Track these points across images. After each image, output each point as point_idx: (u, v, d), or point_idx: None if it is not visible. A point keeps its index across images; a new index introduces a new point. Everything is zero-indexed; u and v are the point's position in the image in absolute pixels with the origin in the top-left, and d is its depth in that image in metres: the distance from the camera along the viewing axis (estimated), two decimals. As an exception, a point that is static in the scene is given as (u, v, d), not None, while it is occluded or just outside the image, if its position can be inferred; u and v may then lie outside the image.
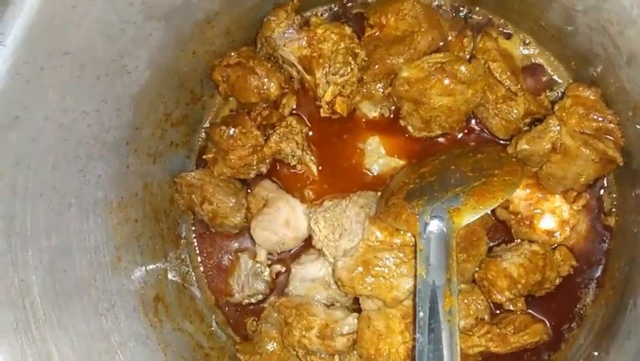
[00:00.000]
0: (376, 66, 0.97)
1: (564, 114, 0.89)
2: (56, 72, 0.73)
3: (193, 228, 1.10)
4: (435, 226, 0.86)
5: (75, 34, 0.73)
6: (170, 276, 1.05)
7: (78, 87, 0.78)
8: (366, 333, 0.93)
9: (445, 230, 0.85)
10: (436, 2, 1.02)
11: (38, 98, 0.73)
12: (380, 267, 0.90)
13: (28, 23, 0.67)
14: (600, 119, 0.87)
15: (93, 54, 0.77)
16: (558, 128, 0.89)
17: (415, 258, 0.87)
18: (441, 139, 1.02)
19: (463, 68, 0.92)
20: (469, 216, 0.86)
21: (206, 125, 1.10)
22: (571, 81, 0.99)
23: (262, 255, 1.05)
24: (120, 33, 0.79)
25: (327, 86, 0.99)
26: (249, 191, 1.06)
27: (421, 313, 0.80)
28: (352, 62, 0.97)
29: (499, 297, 0.92)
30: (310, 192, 1.04)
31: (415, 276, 0.86)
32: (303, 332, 0.96)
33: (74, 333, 0.82)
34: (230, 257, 1.08)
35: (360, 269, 0.91)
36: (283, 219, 1.00)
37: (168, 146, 1.04)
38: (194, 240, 1.10)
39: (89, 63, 0.78)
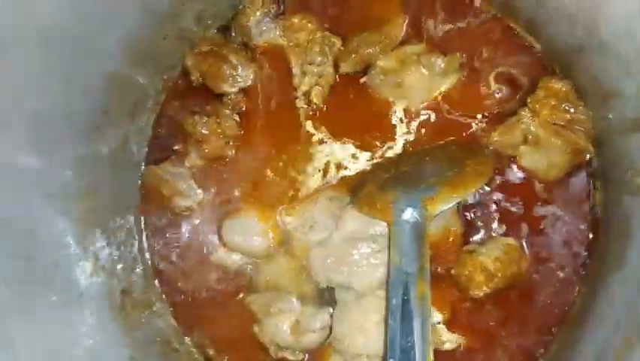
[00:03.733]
0: (353, 55, 0.97)
1: (536, 106, 0.90)
2: (22, 50, 0.71)
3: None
4: (409, 214, 0.86)
5: (44, 9, 0.71)
6: (137, 269, 1.03)
7: (44, 66, 0.75)
8: (342, 325, 0.93)
9: (418, 219, 0.86)
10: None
11: (4, 76, 0.70)
12: (354, 256, 0.90)
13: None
14: (572, 110, 0.89)
15: (62, 32, 0.75)
16: (530, 119, 0.91)
17: (389, 247, 0.87)
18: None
19: (439, 61, 0.93)
20: (442, 204, 0.87)
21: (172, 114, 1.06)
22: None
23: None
24: (91, 10, 0.77)
25: (302, 76, 0.99)
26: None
27: (394, 301, 0.80)
28: (328, 52, 0.96)
29: (477, 292, 0.92)
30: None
31: (389, 264, 0.86)
32: (275, 329, 0.95)
33: (39, 322, 0.80)
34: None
35: (334, 258, 0.91)
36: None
37: (137, 134, 1.02)
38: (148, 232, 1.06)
39: (56, 41, 0.75)
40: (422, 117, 0.98)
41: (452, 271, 0.94)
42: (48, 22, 0.73)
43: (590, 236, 0.95)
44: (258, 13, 0.99)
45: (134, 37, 0.89)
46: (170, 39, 0.97)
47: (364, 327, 0.90)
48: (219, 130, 0.98)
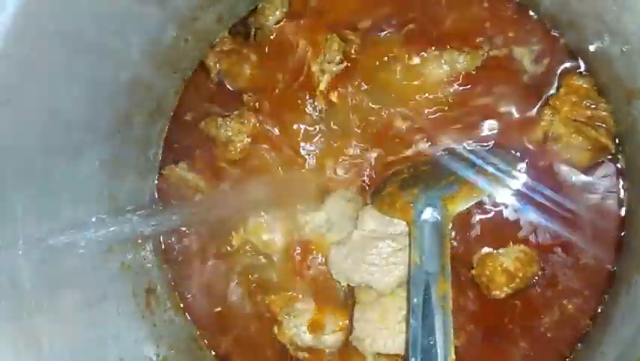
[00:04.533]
0: (371, 51, 0.97)
1: (557, 102, 0.89)
2: (47, 55, 0.72)
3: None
4: (429, 213, 0.86)
5: (67, 14, 0.72)
6: (159, 268, 1.04)
7: (68, 72, 0.77)
8: (362, 324, 0.93)
9: (439, 218, 0.85)
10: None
11: (29, 81, 0.71)
12: (373, 255, 0.90)
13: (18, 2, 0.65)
14: (593, 106, 0.88)
15: (85, 38, 0.76)
16: (550, 116, 0.90)
17: (409, 246, 0.87)
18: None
19: (461, 59, 0.93)
20: (463, 203, 0.86)
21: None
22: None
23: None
24: (112, 16, 0.78)
25: (322, 74, 0.99)
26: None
27: (415, 300, 0.80)
28: (346, 50, 0.96)
29: (498, 293, 0.92)
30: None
31: (409, 264, 0.86)
32: (294, 330, 0.95)
33: (65, 323, 0.81)
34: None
35: (354, 258, 0.91)
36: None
37: (158, 136, 1.03)
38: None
39: (80, 47, 0.76)
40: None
41: (472, 272, 0.94)
42: (70, 27, 0.74)
43: (614, 236, 0.94)
44: (277, 13, 0.99)
45: (155, 42, 0.90)
46: (191, 42, 0.98)
47: (385, 326, 0.90)
48: (244, 130, 0.99)
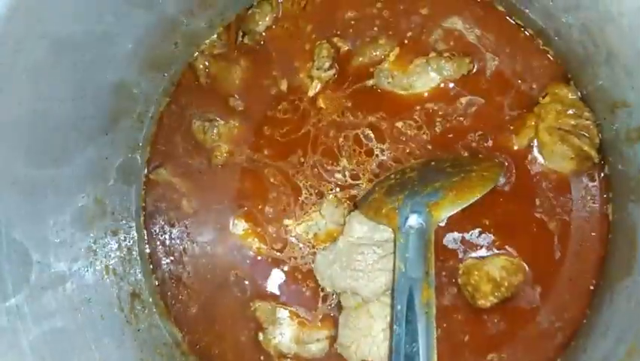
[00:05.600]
0: (360, 59, 0.97)
1: (542, 111, 0.90)
2: (32, 56, 0.71)
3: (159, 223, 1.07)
4: (414, 220, 0.86)
5: (53, 17, 0.72)
6: (144, 272, 1.03)
7: (54, 73, 0.76)
8: (347, 331, 0.93)
9: (424, 224, 0.85)
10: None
11: (12, 82, 0.71)
12: (359, 261, 0.90)
13: (7, 3, 0.65)
14: (577, 115, 0.89)
15: (71, 40, 0.76)
16: (535, 125, 0.91)
17: (394, 253, 0.87)
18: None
19: (447, 66, 0.94)
20: (448, 210, 0.86)
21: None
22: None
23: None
24: (100, 19, 0.78)
25: (310, 81, 0.99)
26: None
27: (399, 306, 0.80)
28: (335, 56, 0.97)
29: (483, 302, 0.92)
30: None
31: (394, 270, 0.86)
32: (278, 338, 0.95)
33: (48, 327, 0.80)
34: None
35: (340, 264, 0.91)
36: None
37: (144, 139, 1.03)
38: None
39: (67, 49, 0.76)
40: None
41: (458, 281, 0.94)
42: (56, 30, 0.73)
43: (598, 245, 0.94)
44: (267, 18, 0.99)
45: (144, 46, 0.90)
46: (180, 45, 0.98)
47: (370, 333, 0.90)
48: (230, 135, 0.99)
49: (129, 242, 1.02)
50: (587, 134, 0.89)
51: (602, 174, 0.93)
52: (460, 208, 0.87)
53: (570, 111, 0.89)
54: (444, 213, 0.86)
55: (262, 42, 1.01)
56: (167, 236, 1.04)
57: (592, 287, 0.95)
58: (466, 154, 0.96)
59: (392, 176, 0.96)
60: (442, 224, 0.94)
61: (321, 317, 0.97)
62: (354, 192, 0.98)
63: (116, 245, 0.98)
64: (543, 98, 0.92)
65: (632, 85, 0.79)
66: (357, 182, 0.98)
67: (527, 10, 0.93)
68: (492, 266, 0.92)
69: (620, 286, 0.87)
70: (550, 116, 0.89)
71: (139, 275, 1.02)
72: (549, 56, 0.96)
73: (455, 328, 0.95)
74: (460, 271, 0.94)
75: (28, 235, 0.79)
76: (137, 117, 0.99)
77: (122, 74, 0.90)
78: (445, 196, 0.87)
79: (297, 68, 1.00)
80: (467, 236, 0.95)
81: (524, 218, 0.94)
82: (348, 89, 0.99)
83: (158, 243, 1.05)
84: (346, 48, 0.98)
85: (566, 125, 0.89)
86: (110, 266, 0.96)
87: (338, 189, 0.98)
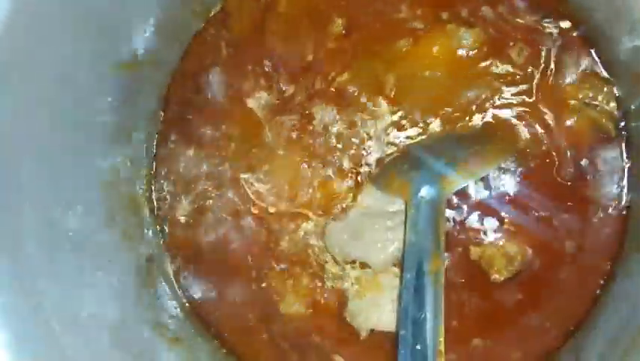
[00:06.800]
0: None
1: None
2: (56, 19, 0.73)
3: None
4: (426, 191, 0.86)
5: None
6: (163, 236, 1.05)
7: (79, 37, 0.78)
8: (357, 301, 0.94)
9: (435, 195, 0.86)
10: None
11: (38, 44, 0.72)
12: (370, 231, 0.91)
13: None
14: (597, 88, 0.87)
15: (94, 3, 0.78)
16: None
17: (405, 224, 0.87)
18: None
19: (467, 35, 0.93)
20: (460, 182, 0.87)
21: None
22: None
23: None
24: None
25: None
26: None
27: (408, 275, 0.80)
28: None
29: (498, 276, 0.92)
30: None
31: (404, 240, 0.86)
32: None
33: (68, 286, 0.83)
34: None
35: (350, 234, 0.92)
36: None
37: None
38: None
39: (92, 13, 0.78)
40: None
41: (471, 256, 0.94)
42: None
43: (614, 228, 0.92)
44: None
45: (166, 17, 0.92)
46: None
47: (379, 303, 0.91)
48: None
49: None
50: (606, 107, 0.87)
51: (620, 148, 0.91)
52: (472, 180, 0.87)
53: (590, 84, 0.88)
54: (456, 185, 0.86)
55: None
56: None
57: (605, 272, 0.93)
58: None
59: (405, 149, 0.96)
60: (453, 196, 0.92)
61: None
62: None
63: (132, 212, 1.00)
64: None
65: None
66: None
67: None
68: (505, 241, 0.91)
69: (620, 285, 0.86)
70: (569, 88, 0.88)
71: (155, 241, 1.04)
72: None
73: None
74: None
75: (49, 197, 0.82)
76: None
77: (146, 45, 0.92)
78: (457, 169, 0.87)
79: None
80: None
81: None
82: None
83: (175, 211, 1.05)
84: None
85: (585, 97, 0.88)
86: (127, 230, 0.98)
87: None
